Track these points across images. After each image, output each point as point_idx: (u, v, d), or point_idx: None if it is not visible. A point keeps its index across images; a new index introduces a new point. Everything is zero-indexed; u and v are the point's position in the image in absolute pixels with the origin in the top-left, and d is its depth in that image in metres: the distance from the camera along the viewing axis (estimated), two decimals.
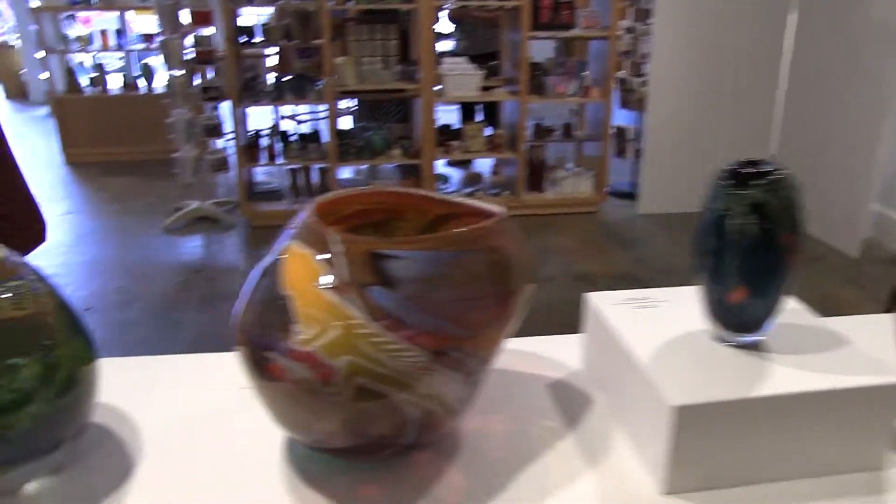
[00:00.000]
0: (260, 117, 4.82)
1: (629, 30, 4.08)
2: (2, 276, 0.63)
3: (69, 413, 0.66)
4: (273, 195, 4.02)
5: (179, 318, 2.86)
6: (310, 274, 0.62)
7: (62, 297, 0.68)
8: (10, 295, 0.63)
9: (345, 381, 0.60)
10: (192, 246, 3.76)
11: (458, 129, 3.82)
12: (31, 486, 0.68)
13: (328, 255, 0.62)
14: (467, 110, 4.34)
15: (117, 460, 0.74)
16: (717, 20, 3.85)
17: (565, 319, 2.81)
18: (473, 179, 4.16)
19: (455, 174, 4.49)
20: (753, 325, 0.77)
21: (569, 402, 0.86)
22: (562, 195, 4.05)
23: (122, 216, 4.17)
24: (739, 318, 0.76)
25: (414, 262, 0.63)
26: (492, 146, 3.82)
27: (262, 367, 0.63)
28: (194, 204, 3.88)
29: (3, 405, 0.60)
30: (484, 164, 4.71)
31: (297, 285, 0.62)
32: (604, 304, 0.87)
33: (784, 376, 0.73)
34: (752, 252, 0.72)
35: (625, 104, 4.29)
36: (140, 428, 0.78)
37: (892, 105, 3.34)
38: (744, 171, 0.75)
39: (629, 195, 4.34)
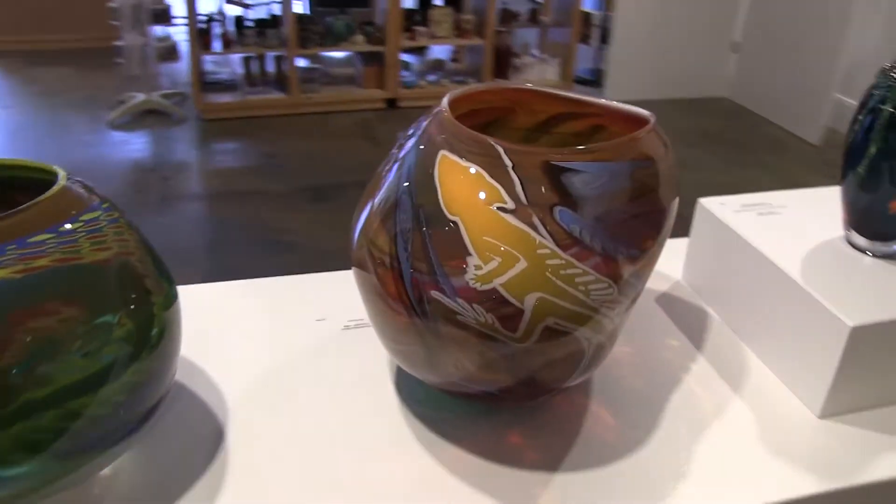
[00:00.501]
0: (211, 2, 4.46)
1: None
2: (70, 207, 0.48)
3: (162, 374, 0.51)
4: (224, 86, 3.75)
5: (139, 224, 2.69)
6: (480, 193, 0.52)
7: (139, 230, 0.54)
8: (86, 233, 0.47)
9: (532, 323, 0.51)
10: (141, 142, 3.51)
11: (425, 14, 3.60)
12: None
13: (500, 169, 0.52)
14: None
15: (200, 420, 0.62)
16: None
17: None
18: (435, 66, 3.97)
19: (412, 62, 4.28)
20: None
21: (684, 319, 0.80)
22: (527, 82, 3.91)
23: (58, 111, 3.84)
24: (889, 228, 0.70)
25: (594, 177, 0.54)
26: (459, 32, 3.63)
27: (415, 309, 0.53)
28: (140, 96, 3.59)
29: (97, 376, 0.45)
30: (440, 51, 4.49)
31: (465, 207, 0.52)
32: (723, 211, 0.79)
33: None
34: None
35: None
36: (218, 379, 0.68)
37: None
38: None
39: (592, 82, 4.24)
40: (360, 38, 3.42)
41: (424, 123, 0.59)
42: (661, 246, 0.61)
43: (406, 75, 3.69)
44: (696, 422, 0.66)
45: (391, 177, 0.58)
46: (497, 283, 0.50)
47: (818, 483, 0.60)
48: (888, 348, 0.65)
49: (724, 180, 3.19)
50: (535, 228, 0.51)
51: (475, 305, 0.51)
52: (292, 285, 0.82)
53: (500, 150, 0.52)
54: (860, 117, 0.68)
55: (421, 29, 3.52)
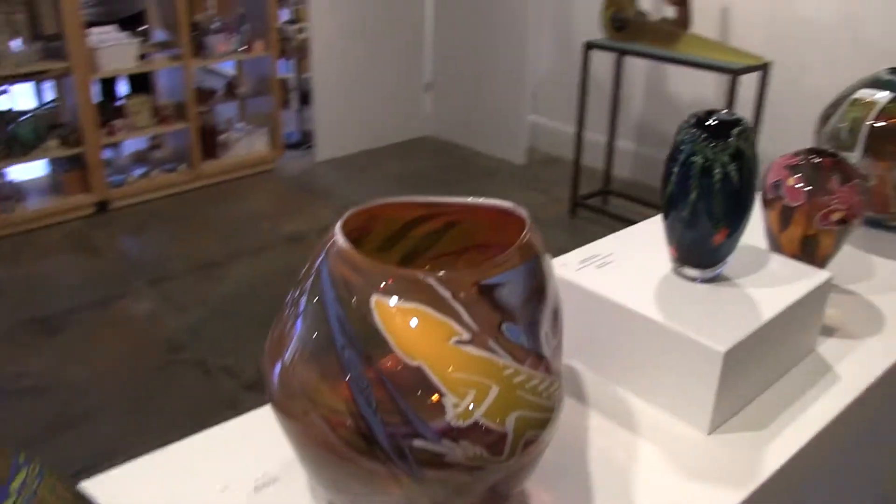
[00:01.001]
0: None
1: None
2: None
3: None
4: None
5: None
6: (434, 331, 0.52)
7: None
8: None
9: (514, 442, 0.52)
10: None
11: (121, 106, 3.37)
12: None
13: (442, 302, 0.52)
14: (108, 87, 3.82)
15: None
16: None
17: None
18: (139, 158, 3.73)
19: (113, 158, 3.98)
20: (723, 259, 0.83)
21: (565, 382, 0.85)
22: (238, 157, 3.85)
23: None
24: (716, 256, 0.82)
25: (516, 284, 0.56)
26: (160, 118, 3.45)
27: (393, 461, 0.51)
28: None
29: None
30: (136, 141, 4.23)
31: (424, 350, 0.51)
32: (568, 272, 0.86)
33: (765, 300, 0.81)
34: (734, 196, 0.77)
35: (282, 54, 4.16)
36: None
37: (535, 19, 3.73)
38: (708, 122, 0.79)
39: (299, 145, 4.29)
40: (52, 143, 3.10)
41: (325, 265, 0.57)
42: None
43: (111, 173, 3.42)
44: (616, 470, 0.71)
45: (305, 329, 0.55)
46: (478, 415, 0.51)
47: (723, 490, 0.69)
48: (748, 358, 0.76)
49: None
50: (494, 352, 0.52)
51: (462, 442, 0.51)
52: (170, 457, 0.73)
53: (433, 281, 0.53)
54: (674, 169, 0.78)
55: (119, 122, 3.29)
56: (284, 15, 4.49)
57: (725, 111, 0.80)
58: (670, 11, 2.94)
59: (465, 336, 0.52)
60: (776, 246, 0.96)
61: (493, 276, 0.55)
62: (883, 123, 1.17)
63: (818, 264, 0.95)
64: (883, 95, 1.18)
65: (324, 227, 3.37)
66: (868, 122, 1.17)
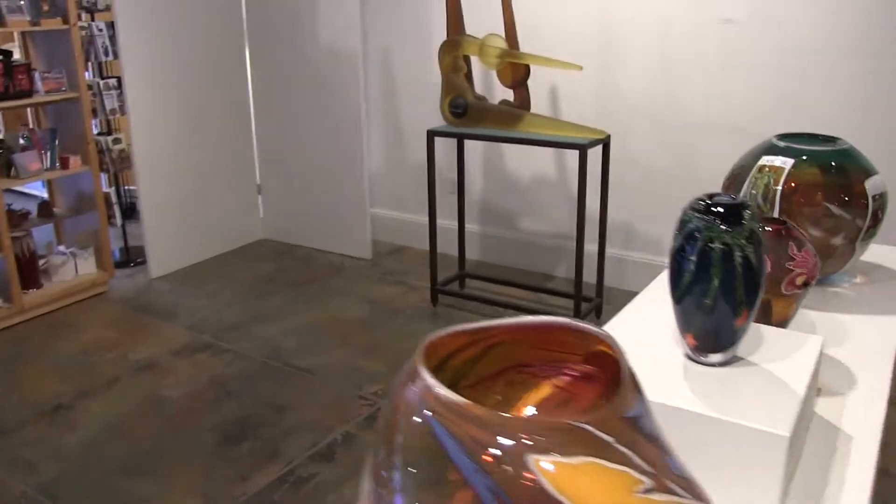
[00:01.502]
0: None
1: (89, 86, 3.66)
2: None
3: None
4: None
5: None
6: (613, 484, 0.44)
7: None
8: None
9: None
10: None
11: None
12: None
13: (608, 450, 0.45)
14: None
15: None
16: (183, 68, 3.75)
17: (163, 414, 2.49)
18: None
19: None
20: (740, 340, 0.82)
21: None
22: (65, 284, 3.48)
23: None
24: (736, 338, 0.81)
25: (647, 410, 0.51)
26: None
27: None
28: None
29: None
30: None
31: None
32: None
33: (787, 374, 0.81)
34: (753, 276, 0.77)
35: (100, 167, 3.86)
36: None
37: (365, 115, 3.75)
38: (713, 207, 0.79)
39: (129, 262, 3.98)
40: None
41: (437, 428, 0.48)
42: None
43: None
44: None
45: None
46: None
47: None
48: (797, 437, 0.75)
49: (314, 317, 3.27)
50: (674, 493, 0.46)
51: None
52: None
53: (589, 427, 0.46)
54: (692, 258, 0.77)
55: None
56: (94, 126, 4.20)
57: (725, 195, 0.80)
58: (509, 94, 3.07)
59: (648, 483, 0.45)
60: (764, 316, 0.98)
61: (630, 409, 0.49)
62: (793, 185, 1.25)
63: (780, 325, 0.97)
64: (788, 161, 1.26)
65: (177, 350, 3.12)
66: (778, 187, 1.25)
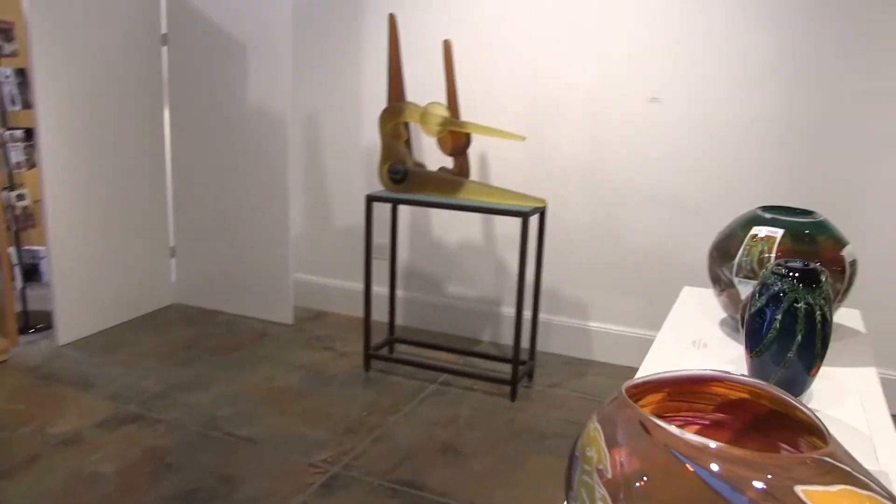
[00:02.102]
0: None
1: None
2: None
3: None
4: None
5: None
6: None
7: None
8: None
9: None
10: None
11: None
12: None
13: (849, 476, 0.51)
14: None
15: None
16: (99, 123, 3.62)
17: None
18: None
19: None
20: (809, 388, 0.91)
21: None
22: None
23: None
24: (807, 387, 0.89)
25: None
26: None
27: None
28: None
29: None
30: None
31: None
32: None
33: (851, 415, 0.89)
34: (828, 331, 0.86)
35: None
36: None
37: (292, 180, 3.75)
38: (794, 269, 0.88)
39: (29, 328, 3.73)
40: None
41: (697, 471, 0.52)
42: None
43: None
44: None
45: None
46: None
47: None
48: None
49: (245, 385, 3.18)
50: None
51: None
52: None
53: (830, 459, 0.52)
54: (777, 316, 0.85)
55: None
56: None
57: (797, 261, 0.90)
58: (448, 162, 3.17)
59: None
60: None
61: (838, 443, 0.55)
62: (781, 252, 1.38)
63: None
64: (778, 231, 1.40)
65: (101, 422, 2.93)
66: (772, 254, 1.38)
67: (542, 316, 3.63)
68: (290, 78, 3.63)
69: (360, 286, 4.03)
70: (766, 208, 1.50)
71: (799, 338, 0.85)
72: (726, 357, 1.37)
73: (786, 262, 0.91)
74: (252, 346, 3.61)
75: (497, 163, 3.54)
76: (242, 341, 3.66)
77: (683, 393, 0.72)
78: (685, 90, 3.18)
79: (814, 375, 0.88)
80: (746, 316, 0.90)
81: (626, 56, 3.24)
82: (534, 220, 3.26)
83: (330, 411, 2.94)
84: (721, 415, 0.74)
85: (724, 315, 1.62)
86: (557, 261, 3.51)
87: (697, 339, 1.47)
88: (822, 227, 1.42)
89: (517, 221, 3.53)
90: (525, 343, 3.52)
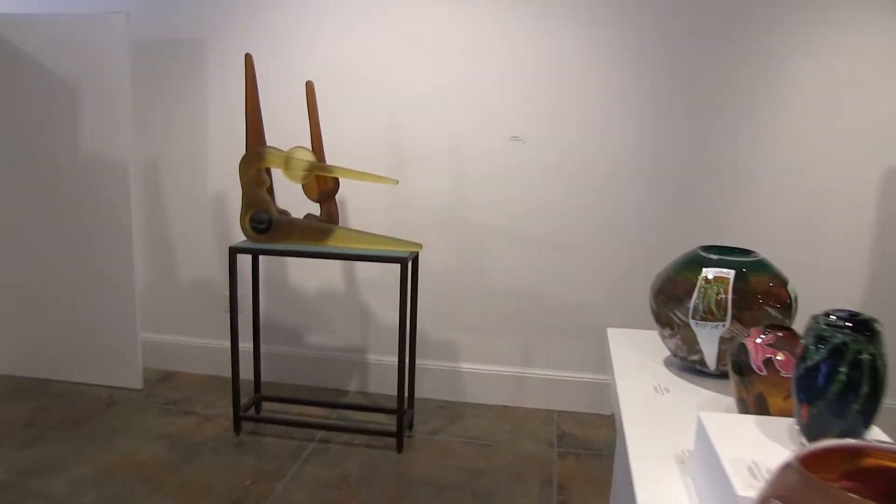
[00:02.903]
0: None
1: None
2: None
3: None
4: None
5: None
6: None
7: None
8: None
9: None
10: None
11: None
12: None
13: None
14: None
15: None
16: None
17: None
18: None
19: None
20: None
21: None
22: None
23: None
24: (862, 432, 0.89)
25: None
26: None
27: None
28: None
29: None
30: None
31: None
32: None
33: None
34: (886, 380, 0.87)
35: None
36: None
37: (135, 232, 3.40)
38: (846, 319, 0.87)
39: None
40: None
41: None
42: None
43: None
44: None
45: None
46: None
47: None
48: None
49: (104, 463, 2.79)
50: None
51: None
52: None
53: None
54: (841, 369, 0.85)
55: None
56: None
57: (842, 311, 0.90)
58: (315, 208, 3.02)
59: None
60: (765, 411, 1.10)
61: None
62: (734, 292, 1.42)
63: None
64: (729, 272, 1.43)
65: None
66: (727, 296, 1.41)
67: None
68: (130, 121, 3.30)
69: (212, 342, 3.72)
70: (706, 248, 1.54)
71: (866, 389, 0.86)
72: (693, 401, 1.38)
73: (834, 311, 0.92)
74: (101, 416, 3.19)
75: (357, 208, 3.44)
76: (89, 413, 3.23)
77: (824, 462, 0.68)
78: (546, 129, 3.28)
79: (871, 425, 0.89)
80: (800, 369, 0.89)
81: (488, 96, 3.29)
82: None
83: (210, 483, 2.66)
84: (851, 483, 0.71)
85: (666, 355, 1.63)
86: (425, 305, 3.45)
87: (657, 384, 1.46)
88: (764, 266, 1.47)
89: (378, 267, 3.45)
90: (422, 392, 3.43)
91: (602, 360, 3.44)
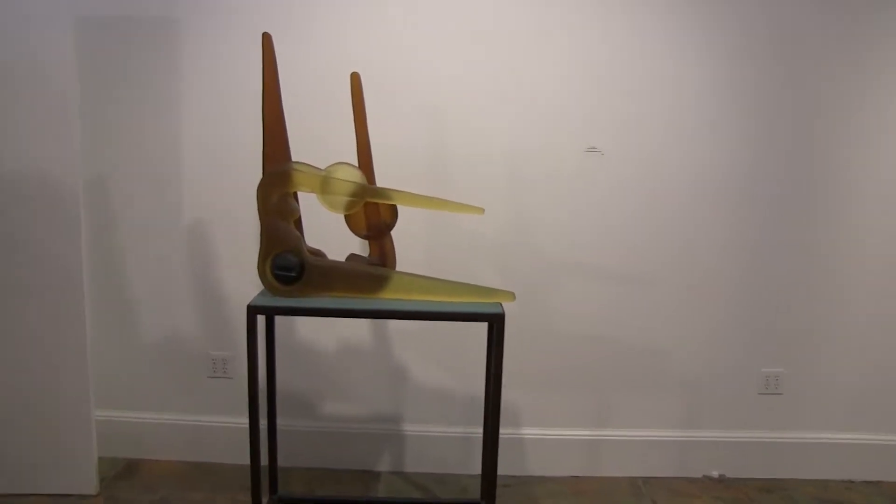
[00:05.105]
0: None
1: None
2: None
3: None
4: None
5: None
6: None
7: None
8: None
9: None
10: None
11: None
12: None
13: None
14: None
15: None
16: None
17: None
18: None
19: None
20: None
21: None
22: None
23: None
24: None
25: None
26: None
27: None
28: None
29: None
30: None
31: None
32: None
33: None
34: None
35: None
36: None
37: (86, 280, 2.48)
38: None
39: None
40: None
41: None
42: None
43: None
44: None
45: None
46: None
47: None
48: None
49: None
50: None
51: None
52: None
53: None
54: None
55: None
56: None
57: None
58: (357, 246, 2.23)
59: None
60: None
61: None
62: None
63: None
64: None
65: None
66: None
67: (458, 429, 2.81)
68: (78, 129, 2.39)
69: (188, 419, 2.84)
70: None
71: None
72: None
73: None
74: None
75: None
76: None
77: None
78: (625, 138, 2.61)
79: None
80: None
81: (554, 99, 2.58)
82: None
83: None
84: None
85: None
86: (474, 358, 2.70)
87: None
88: None
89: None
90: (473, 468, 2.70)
91: (689, 414, 2.81)
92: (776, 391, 2.83)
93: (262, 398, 2.27)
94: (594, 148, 2.61)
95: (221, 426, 2.78)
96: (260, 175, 2.07)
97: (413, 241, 2.61)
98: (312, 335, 2.77)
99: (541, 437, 2.83)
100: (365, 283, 2.13)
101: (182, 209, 2.69)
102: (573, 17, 2.55)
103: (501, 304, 2.08)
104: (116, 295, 2.76)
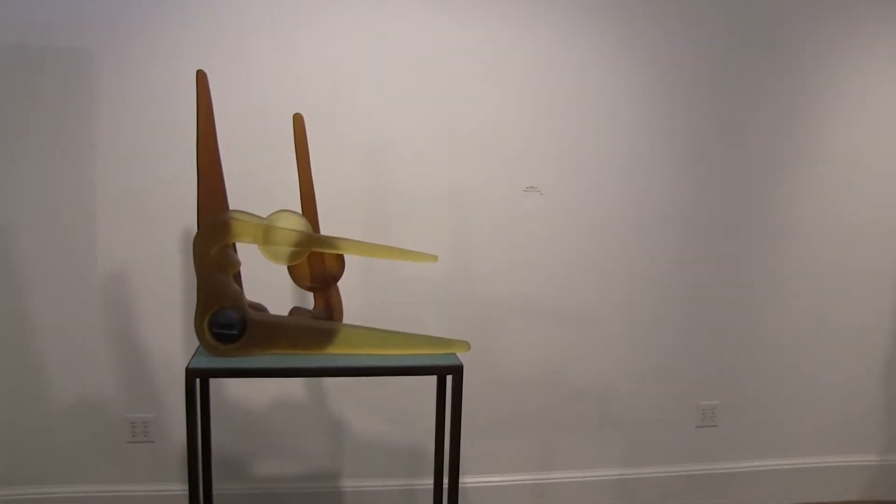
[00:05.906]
0: None
1: None
2: None
3: None
4: None
5: None
6: None
7: None
8: None
9: None
10: None
11: None
12: None
13: None
14: None
15: None
16: None
17: None
18: None
19: None
20: None
21: None
22: None
23: None
24: None
25: None
26: None
27: None
28: None
29: None
30: None
31: None
32: None
33: None
34: None
35: None
36: None
37: None
38: None
39: None
40: None
41: None
42: None
43: None
44: None
45: None
46: None
47: None
48: None
49: None
50: None
51: None
52: None
53: None
54: None
55: None
56: None
57: None
58: (301, 298, 2.09)
59: None
60: None
61: None
62: None
63: None
64: None
65: None
66: None
67: (400, 482, 2.69)
68: None
69: (103, 489, 2.58)
70: None
71: None
72: None
73: None
74: None
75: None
76: None
77: None
78: (562, 177, 2.60)
79: None
80: None
81: (493, 137, 2.54)
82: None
83: None
84: None
85: None
86: (413, 406, 2.60)
87: None
88: None
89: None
90: None
91: (634, 453, 2.81)
92: (712, 423, 2.87)
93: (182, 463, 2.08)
94: (533, 187, 2.58)
95: (144, 495, 2.55)
96: (187, 222, 1.91)
97: (349, 290, 2.49)
98: (245, 390, 2.59)
99: (485, 484, 2.74)
100: (312, 339, 1.99)
101: (97, 261, 2.47)
102: (516, 56, 2.53)
103: (456, 355, 1.99)
104: (21, 359, 2.49)
